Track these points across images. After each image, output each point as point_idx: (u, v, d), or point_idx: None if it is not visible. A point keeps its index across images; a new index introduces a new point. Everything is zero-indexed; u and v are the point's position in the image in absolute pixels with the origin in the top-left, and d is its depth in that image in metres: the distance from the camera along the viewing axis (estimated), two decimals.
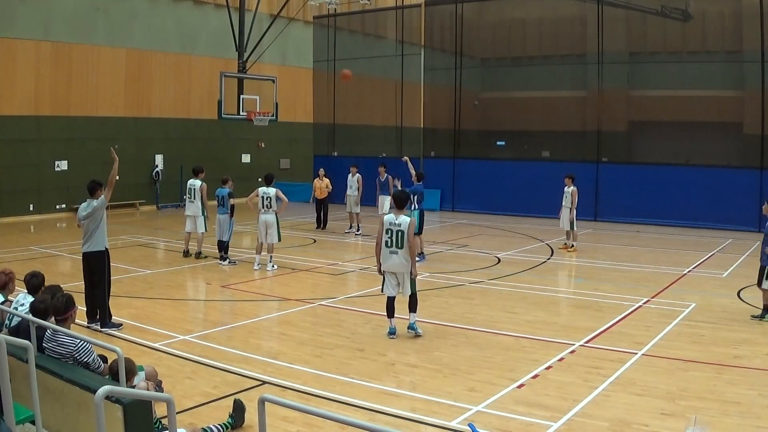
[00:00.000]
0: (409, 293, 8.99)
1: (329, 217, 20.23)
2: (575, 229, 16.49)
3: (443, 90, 26.35)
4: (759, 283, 9.97)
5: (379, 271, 9.13)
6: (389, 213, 9.18)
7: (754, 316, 10.02)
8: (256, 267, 13.71)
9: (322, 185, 19.88)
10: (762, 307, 9.99)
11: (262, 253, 13.89)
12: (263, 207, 13.87)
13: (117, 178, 9.48)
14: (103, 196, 9.29)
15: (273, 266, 13.74)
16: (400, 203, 9.08)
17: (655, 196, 21.27)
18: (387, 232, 8.95)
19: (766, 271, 9.81)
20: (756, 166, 20.03)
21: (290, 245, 16.74)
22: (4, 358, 4.54)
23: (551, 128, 24.55)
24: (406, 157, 16.51)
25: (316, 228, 19.84)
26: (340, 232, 19.33)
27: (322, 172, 20.34)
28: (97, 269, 9.32)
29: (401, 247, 8.86)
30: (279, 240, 14.05)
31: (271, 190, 13.97)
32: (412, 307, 9.06)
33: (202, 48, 26.27)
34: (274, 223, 13.83)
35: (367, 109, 29.29)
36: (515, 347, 8.68)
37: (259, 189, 14.07)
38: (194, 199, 14.93)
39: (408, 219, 8.92)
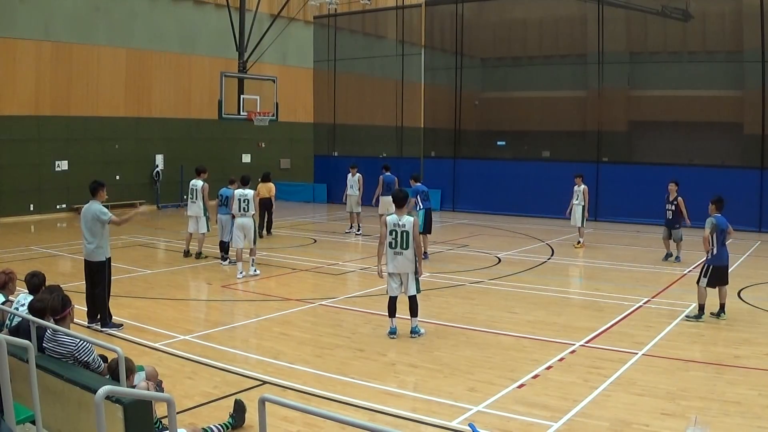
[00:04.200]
0: (413, 292, 8.98)
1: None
2: (584, 225, 16.76)
3: (443, 90, 26.33)
4: (698, 281, 9.94)
5: (380, 273, 9.09)
6: (391, 214, 9.16)
7: (688, 317, 9.91)
8: (239, 276, 12.74)
9: (264, 190, 17.51)
10: (698, 307, 9.91)
11: (244, 258, 12.97)
12: (240, 210, 12.98)
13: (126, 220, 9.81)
14: (113, 217, 9.34)
15: (252, 269, 13.03)
16: (399, 203, 9.07)
17: (655, 196, 21.16)
18: (391, 233, 8.92)
19: (704, 269, 9.84)
20: (756, 166, 20.04)
21: (290, 245, 16.74)
22: (5, 358, 4.54)
23: (551, 128, 24.55)
24: None
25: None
26: (340, 232, 19.32)
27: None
28: (98, 271, 9.35)
29: (406, 248, 8.86)
30: (254, 244, 13.21)
31: (249, 192, 13.13)
32: (413, 311, 9.05)
33: (202, 48, 26.27)
34: (251, 228, 13.04)
35: (367, 109, 29.29)
36: (515, 347, 8.68)
37: (236, 191, 13.24)
38: (196, 199, 14.88)
39: (412, 219, 8.93)
